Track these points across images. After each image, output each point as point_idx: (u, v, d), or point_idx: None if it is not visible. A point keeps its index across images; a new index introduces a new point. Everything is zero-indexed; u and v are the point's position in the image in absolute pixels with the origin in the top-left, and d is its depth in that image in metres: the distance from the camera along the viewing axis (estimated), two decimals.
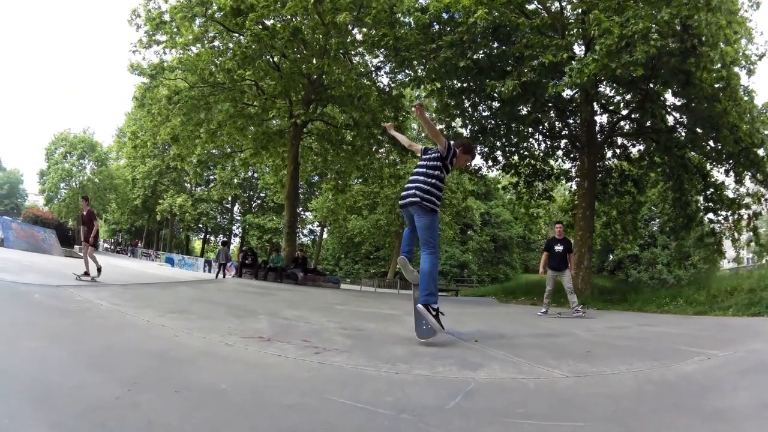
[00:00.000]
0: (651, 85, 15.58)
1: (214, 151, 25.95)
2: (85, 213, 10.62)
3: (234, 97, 20.11)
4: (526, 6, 15.59)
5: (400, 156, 22.36)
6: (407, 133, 25.52)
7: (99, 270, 10.10)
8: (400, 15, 16.25)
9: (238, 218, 56.64)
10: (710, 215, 18.58)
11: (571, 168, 20.84)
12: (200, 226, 55.44)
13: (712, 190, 17.98)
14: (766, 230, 26.93)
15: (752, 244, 19.68)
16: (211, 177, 49.54)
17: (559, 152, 20.36)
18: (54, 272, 10.07)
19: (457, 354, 4.18)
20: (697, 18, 12.04)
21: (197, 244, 64.21)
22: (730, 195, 17.86)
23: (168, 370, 3.04)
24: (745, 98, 15.33)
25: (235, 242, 56.24)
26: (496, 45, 15.43)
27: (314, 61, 18.36)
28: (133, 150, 26.83)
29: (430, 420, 2.41)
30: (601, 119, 18.92)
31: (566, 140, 19.74)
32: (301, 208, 44.49)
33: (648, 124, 17.34)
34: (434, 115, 18.23)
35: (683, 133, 17.23)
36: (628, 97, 18.08)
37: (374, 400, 2.69)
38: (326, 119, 22.17)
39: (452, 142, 4.91)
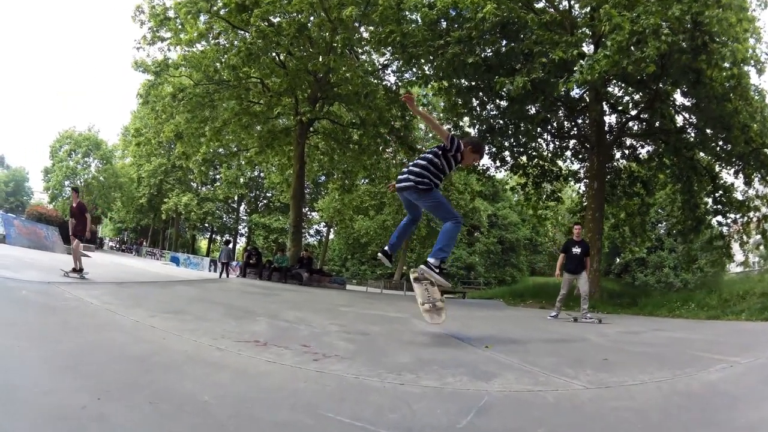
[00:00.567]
0: (660, 85, 15.40)
1: (220, 150, 25.82)
2: (75, 205, 10.03)
3: (239, 94, 19.98)
4: (534, 5, 15.46)
5: (407, 156, 22.10)
6: (415, 132, 25.25)
7: (79, 269, 9.14)
8: (407, 12, 16.08)
9: (245, 218, 56.52)
10: (719, 218, 18.39)
11: (579, 169, 20.72)
12: (206, 225, 55.35)
13: (721, 192, 17.78)
14: None
15: (761, 247, 19.42)
16: (217, 176, 49.43)
17: (568, 153, 20.21)
18: (54, 269, 9.78)
19: (468, 362, 3.90)
20: (708, 14, 11.88)
21: (203, 243, 64.18)
22: (739, 197, 17.65)
23: (147, 377, 2.78)
24: (756, 97, 15.17)
25: (242, 242, 56.22)
26: (504, 42, 15.27)
27: (320, 59, 18.12)
28: (137, 147, 26.66)
29: None
30: (610, 119, 18.78)
31: (575, 140, 19.57)
32: (307, 208, 44.37)
33: (657, 124, 17.14)
34: (441, 114, 18.03)
35: (692, 134, 17.09)
36: (636, 97, 17.93)
37: (376, 417, 2.41)
38: (333, 118, 22.01)
39: (460, 139, 4.78)
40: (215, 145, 23.15)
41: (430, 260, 4.63)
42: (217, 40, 18.75)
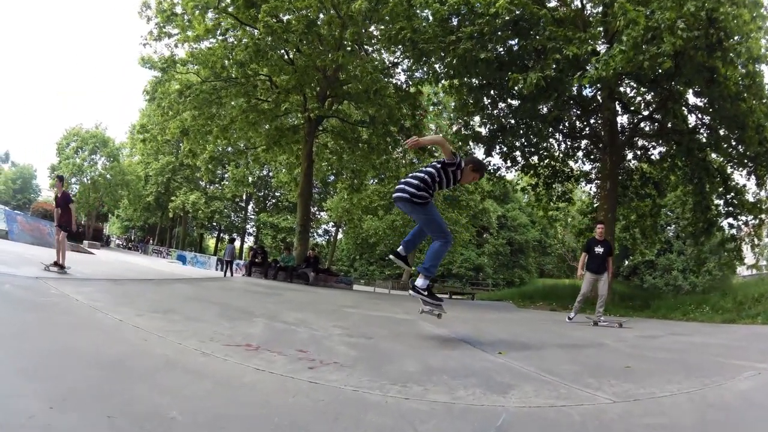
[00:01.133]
0: (673, 84, 15.04)
1: (228, 148, 25.63)
2: (59, 195, 9.55)
3: (247, 91, 19.74)
4: (546, 3, 15.11)
5: (417, 156, 21.79)
6: (425, 133, 24.94)
7: (60, 264, 8.74)
8: (417, 9, 15.80)
9: (253, 217, 56.40)
10: (730, 219, 18.01)
11: (591, 170, 20.38)
12: (213, 224, 55.27)
13: (732, 194, 17.41)
14: None
15: None
16: (225, 175, 49.29)
17: (580, 153, 19.86)
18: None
19: (480, 370, 3.57)
20: (723, 11, 11.69)
21: (211, 242, 64.13)
22: (751, 199, 17.28)
23: (114, 385, 2.47)
24: None
25: (249, 241, 56.09)
26: (516, 40, 14.98)
27: (329, 56, 17.81)
28: (143, 144, 26.44)
29: None
30: (622, 120, 18.45)
31: (587, 140, 19.25)
32: (315, 208, 44.11)
33: (669, 125, 16.78)
34: (452, 114, 17.75)
35: (705, 135, 16.78)
36: (649, 96, 17.62)
37: None
38: (342, 116, 21.73)
39: (463, 158, 5.00)
40: (222, 143, 22.96)
41: (419, 283, 4.92)
42: (224, 37, 18.52)
